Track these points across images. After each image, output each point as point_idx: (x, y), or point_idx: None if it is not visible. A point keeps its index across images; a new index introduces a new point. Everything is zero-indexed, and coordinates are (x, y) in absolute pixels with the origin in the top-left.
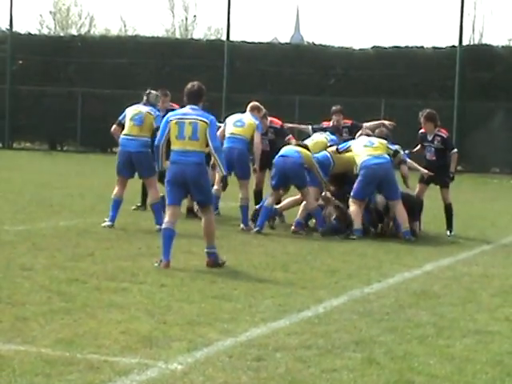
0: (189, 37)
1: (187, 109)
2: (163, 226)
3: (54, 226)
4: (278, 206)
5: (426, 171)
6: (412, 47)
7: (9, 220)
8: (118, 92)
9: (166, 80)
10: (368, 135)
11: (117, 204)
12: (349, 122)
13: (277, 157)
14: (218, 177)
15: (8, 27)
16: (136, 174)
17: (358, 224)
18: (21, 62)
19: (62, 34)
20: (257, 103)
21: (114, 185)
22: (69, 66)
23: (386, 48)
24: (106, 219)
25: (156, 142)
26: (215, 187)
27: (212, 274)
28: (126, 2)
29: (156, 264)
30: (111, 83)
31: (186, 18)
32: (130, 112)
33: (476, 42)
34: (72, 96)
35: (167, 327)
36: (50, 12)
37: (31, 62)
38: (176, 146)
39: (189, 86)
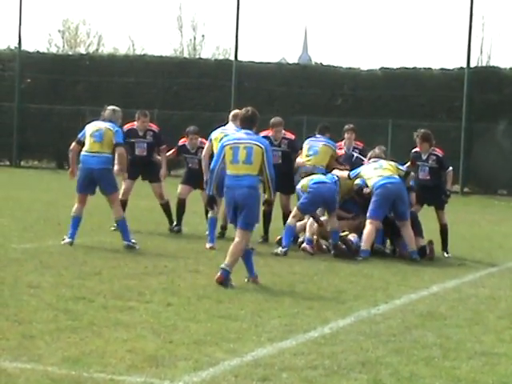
0: (197, 56)
1: (241, 133)
2: (247, 247)
3: (61, 245)
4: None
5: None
6: (420, 68)
7: (16, 238)
8: (126, 111)
9: (173, 99)
10: (376, 157)
11: (76, 221)
12: (360, 145)
13: (312, 183)
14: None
15: (17, 45)
16: (98, 190)
17: (366, 246)
18: (29, 80)
19: (70, 53)
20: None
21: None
22: (77, 84)
23: (393, 69)
24: (66, 236)
25: (211, 167)
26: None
27: (218, 294)
28: (134, 22)
29: (246, 280)
30: (119, 102)
31: (195, 38)
32: (90, 129)
33: (484, 64)
34: (80, 114)
35: (173, 346)
36: (59, 31)
37: (39, 80)
38: (230, 170)
39: (243, 111)
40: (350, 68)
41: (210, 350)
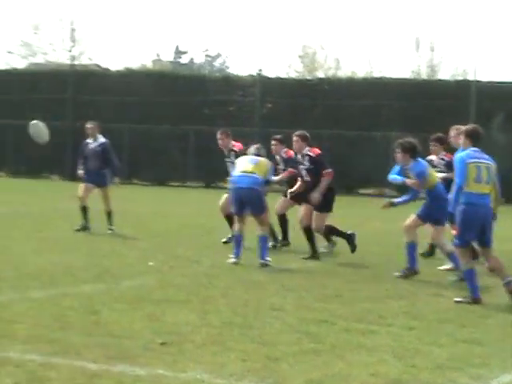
0: (435, 77)
1: (472, 151)
2: (468, 266)
3: (300, 267)
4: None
5: None
6: None
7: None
8: (363, 134)
9: (410, 121)
10: None
11: (238, 239)
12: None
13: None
14: None
15: (258, 72)
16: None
17: None
18: (270, 105)
19: (309, 77)
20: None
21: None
22: (315, 108)
23: None
24: (231, 255)
25: (458, 183)
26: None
27: (461, 318)
28: (372, 45)
29: (459, 299)
30: (357, 124)
31: (433, 59)
32: (246, 157)
33: None
34: (318, 138)
35: (416, 371)
36: (299, 56)
37: (279, 105)
38: (473, 188)
39: (470, 127)
40: None
41: (455, 376)
